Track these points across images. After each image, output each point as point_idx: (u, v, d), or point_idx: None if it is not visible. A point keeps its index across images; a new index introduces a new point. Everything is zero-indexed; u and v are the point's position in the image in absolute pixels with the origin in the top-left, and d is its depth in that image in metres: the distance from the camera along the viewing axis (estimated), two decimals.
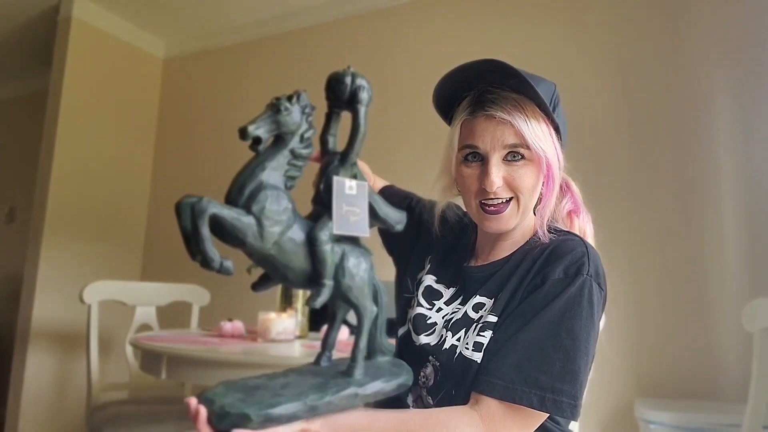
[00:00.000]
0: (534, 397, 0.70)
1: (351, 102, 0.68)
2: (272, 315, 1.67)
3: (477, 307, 0.82)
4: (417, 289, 0.92)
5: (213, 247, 0.57)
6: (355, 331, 0.70)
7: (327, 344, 0.75)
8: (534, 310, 0.74)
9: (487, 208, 0.81)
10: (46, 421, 2.77)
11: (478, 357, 0.76)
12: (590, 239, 0.88)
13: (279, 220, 0.62)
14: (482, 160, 0.81)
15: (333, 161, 0.70)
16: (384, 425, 0.69)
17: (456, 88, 0.84)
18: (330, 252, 0.65)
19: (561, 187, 0.89)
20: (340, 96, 0.68)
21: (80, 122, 2.97)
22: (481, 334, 0.77)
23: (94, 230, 3.04)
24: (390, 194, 1.09)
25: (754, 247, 1.87)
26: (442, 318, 0.86)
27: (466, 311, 0.83)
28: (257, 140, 0.61)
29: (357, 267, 0.68)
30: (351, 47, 2.81)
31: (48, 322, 2.78)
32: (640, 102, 2.11)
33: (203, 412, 0.59)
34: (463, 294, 0.87)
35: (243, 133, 0.60)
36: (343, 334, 1.64)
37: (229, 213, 0.59)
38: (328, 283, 0.65)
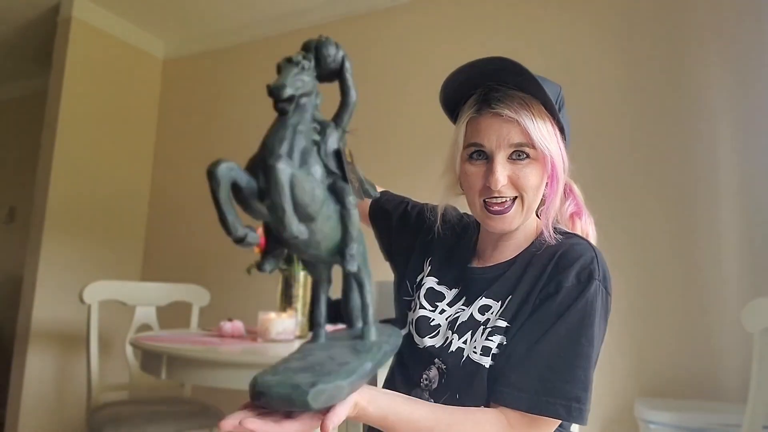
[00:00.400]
0: (560, 408, 0.70)
1: (339, 71, 0.65)
2: (272, 315, 1.66)
3: (483, 309, 0.82)
4: (417, 292, 0.92)
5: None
6: (360, 295, 0.69)
7: (320, 320, 0.73)
8: (551, 318, 0.75)
9: (491, 207, 0.80)
10: (46, 421, 2.77)
11: (486, 361, 0.76)
12: (592, 241, 0.88)
13: (325, 185, 0.59)
14: (487, 158, 0.80)
15: (326, 127, 0.67)
16: (424, 414, 0.69)
17: (462, 87, 0.83)
18: (356, 216, 0.64)
19: (564, 189, 0.88)
20: (329, 63, 0.64)
21: (80, 122, 2.97)
22: (489, 338, 0.77)
23: (94, 230, 3.04)
24: (386, 200, 1.09)
25: (754, 248, 1.87)
26: (446, 319, 0.86)
27: (471, 313, 0.82)
28: (290, 99, 0.56)
29: (360, 233, 0.68)
30: (349, 47, 2.78)
31: (48, 322, 2.78)
32: (640, 103, 2.11)
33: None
34: (466, 295, 0.87)
35: (279, 91, 0.54)
36: None
37: (300, 173, 0.53)
38: (357, 246, 0.64)
